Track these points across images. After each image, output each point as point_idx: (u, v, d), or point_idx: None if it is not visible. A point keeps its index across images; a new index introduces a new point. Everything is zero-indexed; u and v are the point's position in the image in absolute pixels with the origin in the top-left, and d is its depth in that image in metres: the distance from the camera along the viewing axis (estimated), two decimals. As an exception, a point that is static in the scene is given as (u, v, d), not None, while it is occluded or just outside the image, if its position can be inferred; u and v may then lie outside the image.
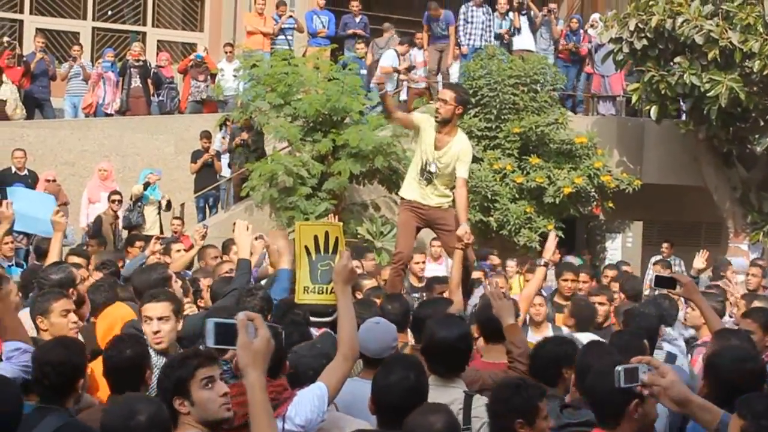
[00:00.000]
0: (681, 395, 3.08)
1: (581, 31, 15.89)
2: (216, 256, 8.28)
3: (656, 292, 7.13)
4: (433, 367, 4.25)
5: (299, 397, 3.68)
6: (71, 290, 5.30)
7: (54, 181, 12.48)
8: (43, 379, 3.79)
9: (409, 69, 14.98)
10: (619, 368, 3.17)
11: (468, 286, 7.21)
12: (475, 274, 8.12)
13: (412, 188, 7.37)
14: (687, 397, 3.09)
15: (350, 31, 15.51)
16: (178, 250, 8.35)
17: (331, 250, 4.39)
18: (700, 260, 10.07)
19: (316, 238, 4.38)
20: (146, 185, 12.41)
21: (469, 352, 4.41)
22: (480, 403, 4.13)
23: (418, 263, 9.36)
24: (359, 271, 7.54)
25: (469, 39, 15.12)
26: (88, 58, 16.27)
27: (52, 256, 6.02)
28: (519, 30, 15.26)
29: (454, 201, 7.22)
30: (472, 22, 15.14)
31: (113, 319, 5.32)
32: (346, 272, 3.96)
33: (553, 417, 3.89)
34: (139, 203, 12.39)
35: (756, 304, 6.25)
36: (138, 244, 9.61)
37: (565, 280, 8.06)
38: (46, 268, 5.71)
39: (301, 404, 3.65)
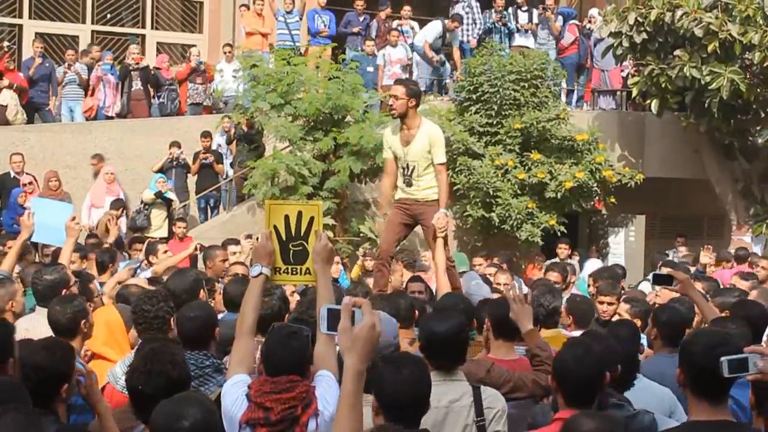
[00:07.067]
0: None
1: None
2: (223, 259, 8.08)
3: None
4: (436, 362, 4.21)
5: (321, 391, 3.57)
6: (65, 291, 5.25)
7: (30, 184, 12.36)
8: (26, 381, 3.69)
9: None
10: (723, 359, 3.19)
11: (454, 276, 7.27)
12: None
13: (400, 189, 7.46)
14: None
15: (355, 29, 15.47)
16: (165, 251, 8.28)
17: (302, 233, 4.16)
18: (706, 255, 10.10)
19: (287, 218, 4.14)
20: (158, 194, 12.67)
21: (467, 343, 4.36)
22: (488, 393, 4.13)
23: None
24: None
25: None
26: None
27: (63, 262, 5.94)
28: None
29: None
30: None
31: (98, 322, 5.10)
32: (326, 252, 3.94)
33: None
34: (147, 207, 12.73)
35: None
36: (137, 246, 9.61)
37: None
38: (40, 269, 5.66)
39: (326, 399, 3.55)
